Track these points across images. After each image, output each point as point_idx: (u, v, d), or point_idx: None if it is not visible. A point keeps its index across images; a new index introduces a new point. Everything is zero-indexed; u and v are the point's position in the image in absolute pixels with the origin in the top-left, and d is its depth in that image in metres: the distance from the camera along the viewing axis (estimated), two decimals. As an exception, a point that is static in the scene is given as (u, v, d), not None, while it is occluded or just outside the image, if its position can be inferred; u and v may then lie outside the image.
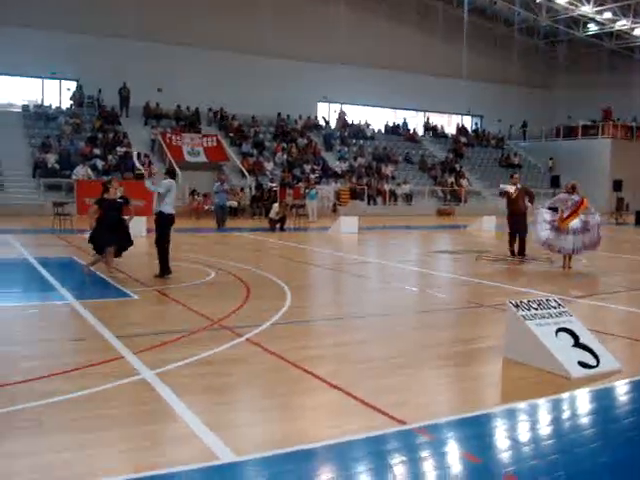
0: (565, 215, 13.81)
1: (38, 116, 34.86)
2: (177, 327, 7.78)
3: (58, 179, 29.93)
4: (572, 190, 14.09)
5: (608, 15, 45.45)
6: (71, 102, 36.91)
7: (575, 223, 13.71)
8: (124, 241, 12.11)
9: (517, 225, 15.70)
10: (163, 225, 11.77)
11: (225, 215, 24.22)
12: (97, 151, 32.52)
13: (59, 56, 35.48)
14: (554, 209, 14.30)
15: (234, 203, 30.05)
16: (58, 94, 37.99)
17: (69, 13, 35.21)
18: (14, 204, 27.85)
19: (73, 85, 37.32)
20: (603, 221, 14.27)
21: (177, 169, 29.78)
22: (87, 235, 12.27)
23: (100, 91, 36.41)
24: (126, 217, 12.37)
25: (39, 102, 37.03)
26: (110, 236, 11.82)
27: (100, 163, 31.53)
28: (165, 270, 11.65)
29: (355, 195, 37.03)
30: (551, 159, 48.11)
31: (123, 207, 12.15)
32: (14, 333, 7.79)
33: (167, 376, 5.83)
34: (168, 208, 11.77)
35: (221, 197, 24.51)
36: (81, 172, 29.30)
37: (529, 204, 15.73)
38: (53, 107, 36.46)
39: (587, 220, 13.80)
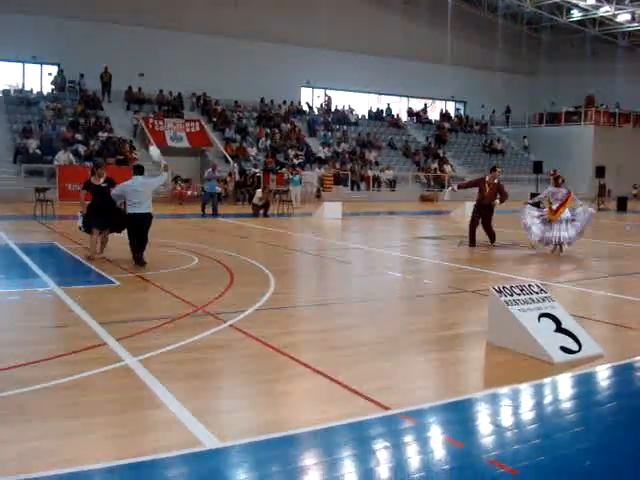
0: (555, 207, 14.15)
1: (19, 101, 34.51)
2: (160, 313, 7.76)
3: (39, 165, 29.66)
4: (561, 183, 14.56)
5: (591, 1, 45.51)
6: (52, 87, 36.57)
7: (565, 214, 14.06)
8: (114, 225, 12.06)
9: (484, 217, 15.48)
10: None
11: (215, 202, 24.05)
12: (79, 136, 32.27)
13: (40, 40, 35.16)
14: (536, 204, 14.51)
15: (219, 189, 29.93)
16: (39, 79, 37.63)
17: (50, -4, 34.83)
18: (-5, 190, 27.62)
19: (54, 70, 36.97)
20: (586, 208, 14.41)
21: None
22: (79, 221, 12.24)
23: (82, 76, 36.11)
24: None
25: (20, 87, 36.66)
26: (97, 220, 11.81)
27: (82, 148, 31.30)
28: (136, 260, 11.37)
29: (339, 181, 37.01)
30: (525, 137, 48.44)
31: (109, 192, 11.99)
32: (-4, 320, 7.74)
33: (150, 362, 5.82)
34: (131, 209, 11.44)
35: (212, 184, 24.38)
36: (63, 157, 29.09)
37: (497, 201, 15.42)
38: (34, 92, 36.12)
39: (573, 211, 14.18)
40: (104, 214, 11.86)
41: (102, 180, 12.12)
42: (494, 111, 50.74)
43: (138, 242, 11.41)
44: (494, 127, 50.85)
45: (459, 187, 17.17)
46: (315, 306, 8.84)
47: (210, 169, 25.31)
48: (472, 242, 15.36)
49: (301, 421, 4.63)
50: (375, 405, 4.92)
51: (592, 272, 12.25)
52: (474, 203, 15.77)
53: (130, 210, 11.41)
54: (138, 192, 11.39)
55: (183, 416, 4.63)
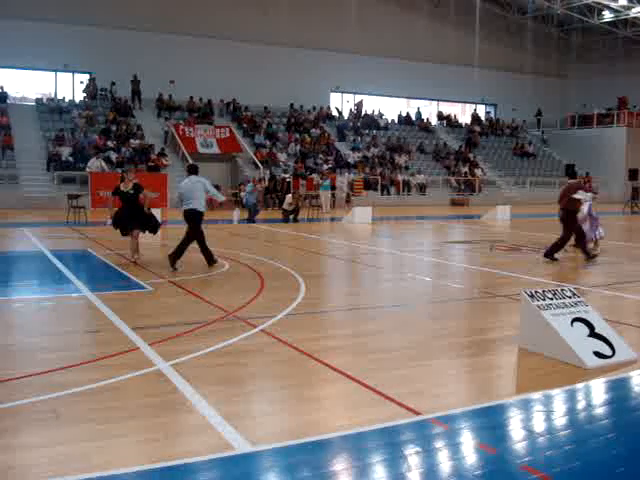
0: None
1: (52, 109, 34.97)
2: (192, 318, 7.80)
3: (72, 172, 30.03)
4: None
5: (623, 2, 44.97)
6: (84, 95, 36.98)
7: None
8: (144, 225, 12.48)
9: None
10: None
11: (253, 211, 24.07)
12: (111, 144, 32.62)
13: (72, 49, 35.62)
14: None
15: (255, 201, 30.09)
16: (71, 87, 38.10)
17: (82, 6, 35.26)
18: (29, 197, 28.03)
19: (86, 78, 37.39)
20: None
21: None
22: (109, 223, 12.76)
23: (113, 84, 36.48)
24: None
25: (52, 95, 37.18)
26: (127, 223, 12.29)
27: (114, 155, 31.63)
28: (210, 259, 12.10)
29: (368, 185, 36.95)
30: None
31: (137, 198, 12.27)
32: (30, 325, 7.85)
33: (182, 367, 5.86)
34: (183, 206, 12.11)
35: (251, 198, 24.49)
36: (95, 165, 29.39)
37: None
38: (66, 100, 36.55)
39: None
40: (132, 219, 12.17)
41: (130, 186, 12.30)
42: (524, 121, 50.26)
43: (188, 241, 11.91)
44: (525, 130, 50.42)
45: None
46: (345, 311, 8.84)
47: (250, 183, 25.74)
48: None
49: (332, 426, 4.63)
50: (406, 410, 4.91)
51: (626, 276, 12.09)
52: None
53: (182, 207, 12.11)
54: (189, 190, 11.91)
55: (214, 420, 4.66)
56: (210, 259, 12.03)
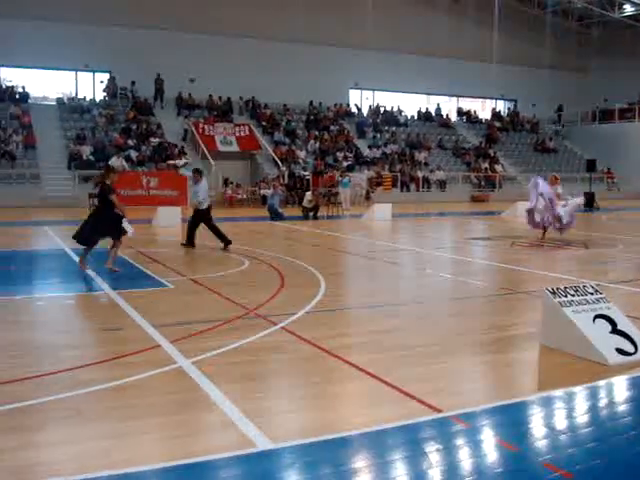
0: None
1: (72, 109, 35.27)
2: (212, 316, 7.83)
3: (93, 170, 30.16)
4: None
5: (645, -5, 44.55)
6: (104, 94, 37.23)
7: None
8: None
9: None
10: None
11: (277, 215, 23.83)
12: (131, 142, 32.81)
13: (92, 49, 35.77)
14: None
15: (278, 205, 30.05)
16: (92, 86, 38.34)
17: (101, 5, 35.43)
18: (50, 196, 28.28)
19: (106, 77, 37.59)
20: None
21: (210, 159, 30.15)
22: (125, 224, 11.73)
23: (133, 83, 36.67)
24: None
25: (73, 95, 37.46)
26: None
27: (134, 154, 31.82)
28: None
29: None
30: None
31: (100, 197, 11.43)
32: (52, 323, 7.92)
33: (203, 364, 5.88)
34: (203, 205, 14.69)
35: (273, 202, 24.43)
36: (116, 163, 29.55)
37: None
38: (87, 99, 36.83)
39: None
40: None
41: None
42: (545, 116, 49.95)
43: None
44: (546, 126, 50.11)
45: None
46: (365, 308, 8.83)
47: (271, 189, 25.85)
48: None
49: (353, 423, 4.62)
50: (427, 407, 4.90)
51: (648, 272, 11.98)
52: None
53: (204, 206, 14.54)
54: (205, 190, 14.64)
55: (235, 417, 4.67)
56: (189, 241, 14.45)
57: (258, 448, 4.20)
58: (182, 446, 4.25)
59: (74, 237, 11.24)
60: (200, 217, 14.55)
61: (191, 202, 14.64)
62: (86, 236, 11.11)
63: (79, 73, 38.04)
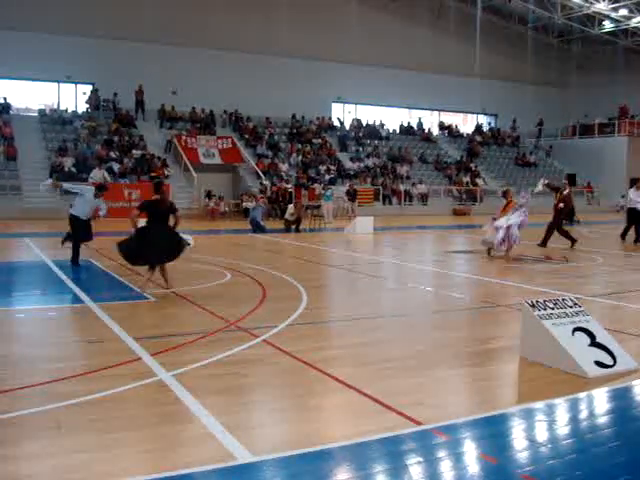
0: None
1: (54, 120, 35.08)
2: (193, 329, 7.82)
3: (75, 183, 30.04)
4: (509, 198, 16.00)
5: (624, 12, 45.10)
6: (87, 106, 37.11)
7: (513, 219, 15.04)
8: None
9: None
10: None
11: (259, 228, 23.73)
12: (113, 154, 32.70)
13: (74, 60, 35.68)
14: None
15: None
16: (74, 98, 38.20)
17: (84, 17, 35.40)
18: (32, 208, 28.07)
19: (88, 89, 37.46)
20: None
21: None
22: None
23: (115, 94, 36.58)
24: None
25: (55, 106, 37.28)
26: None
27: (116, 166, 31.71)
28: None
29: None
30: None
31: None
32: (33, 335, 7.87)
33: (184, 377, 5.87)
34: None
35: (255, 215, 24.37)
36: (97, 175, 29.40)
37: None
38: (69, 111, 36.66)
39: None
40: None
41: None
42: (525, 131, 50.38)
43: None
44: (526, 140, 50.53)
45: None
46: (347, 321, 8.84)
47: (254, 203, 25.97)
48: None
49: (333, 436, 4.64)
50: (407, 420, 4.92)
51: (627, 285, 12.08)
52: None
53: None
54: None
55: (216, 430, 4.67)
56: None
57: (239, 461, 4.20)
58: (162, 459, 4.24)
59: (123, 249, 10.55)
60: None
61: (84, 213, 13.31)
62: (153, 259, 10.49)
63: (61, 84, 37.87)
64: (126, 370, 6.12)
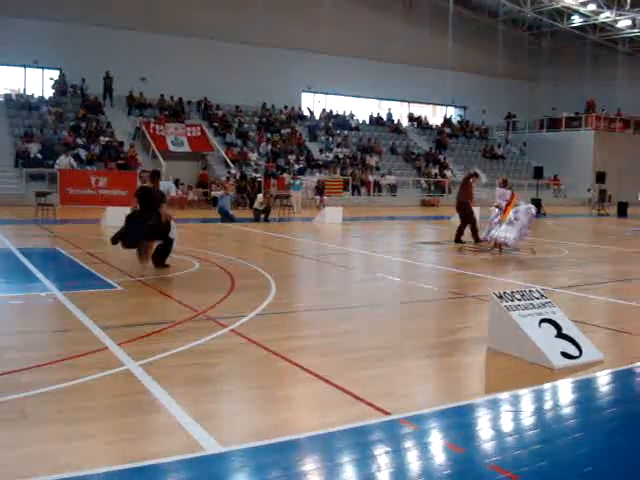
0: (503, 207, 15.04)
1: (20, 105, 34.58)
2: (161, 318, 7.76)
3: (41, 169, 29.71)
4: (505, 184, 15.62)
5: (592, 7, 45.58)
6: (54, 91, 36.60)
7: (510, 215, 14.83)
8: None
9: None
10: None
11: (227, 217, 23.54)
12: (80, 141, 32.32)
13: (42, 44, 35.18)
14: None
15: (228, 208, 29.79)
16: (41, 83, 37.67)
17: (52, 2, 34.91)
18: (-4, 194, 27.68)
19: (56, 74, 36.95)
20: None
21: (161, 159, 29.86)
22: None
23: (83, 80, 36.13)
24: None
25: (21, 91, 36.73)
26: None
27: (83, 153, 31.35)
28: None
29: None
30: (524, 144, 48.45)
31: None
32: (-3, 324, 7.75)
33: (151, 367, 5.82)
34: None
35: (223, 204, 24.18)
36: (64, 162, 29.10)
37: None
38: (36, 96, 36.17)
39: (516, 211, 14.89)
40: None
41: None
42: (494, 123, 50.74)
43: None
44: (495, 133, 50.91)
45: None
46: (316, 311, 8.85)
47: (221, 192, 25.91)
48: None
49: (302, 426, 4.63)
50: (376, 410, 4.93)
51: (592, 277, 12.24)
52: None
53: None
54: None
55: (184, 421, 4.64)
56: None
57: (207, 451, 4.18)
58: (130, 449, 4.20)
59: (116, 241, 11.13)
60: None
61: None
62: (133, 239, 11.09)
63: (28, 69, 37.33)
64: (93, 360, 6.05)
